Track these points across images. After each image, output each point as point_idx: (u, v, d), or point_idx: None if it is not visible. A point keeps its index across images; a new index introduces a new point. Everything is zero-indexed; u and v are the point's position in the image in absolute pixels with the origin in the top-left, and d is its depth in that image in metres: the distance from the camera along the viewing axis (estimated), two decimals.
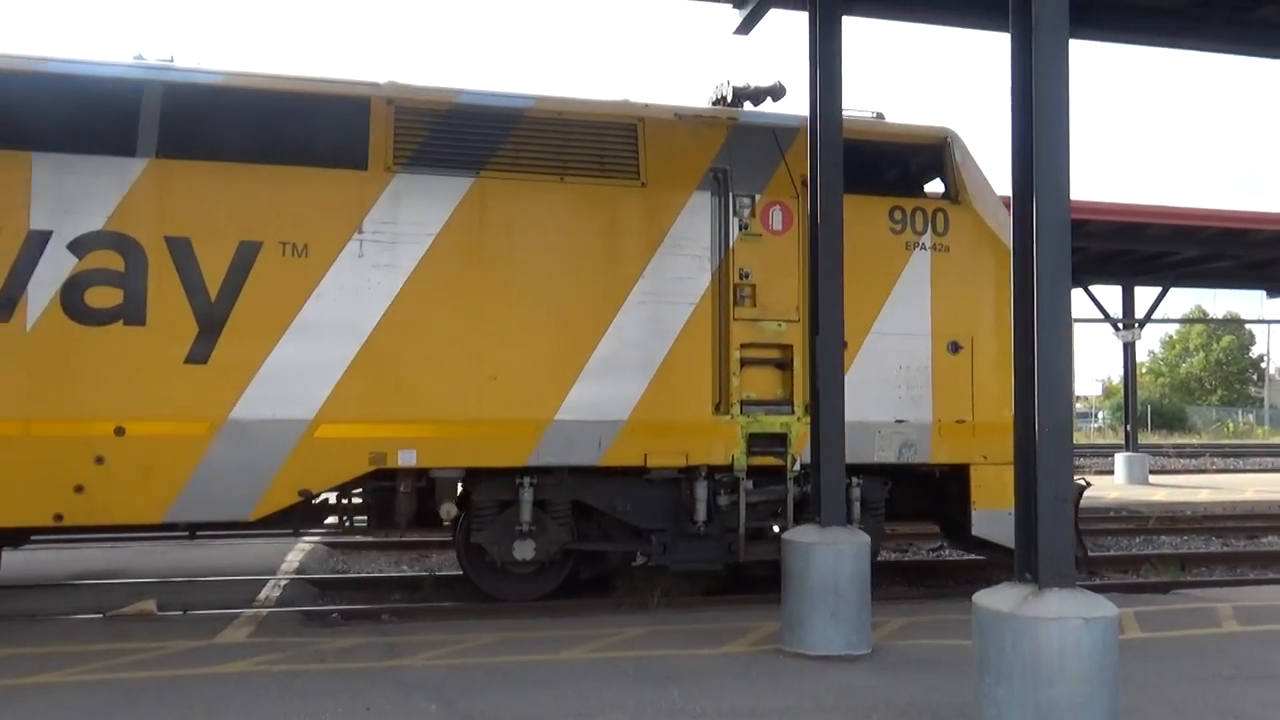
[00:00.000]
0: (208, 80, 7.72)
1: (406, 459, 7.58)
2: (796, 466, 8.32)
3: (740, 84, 9.14)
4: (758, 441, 8.29)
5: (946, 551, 11.94)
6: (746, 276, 8.33)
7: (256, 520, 7.48)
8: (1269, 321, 43.71)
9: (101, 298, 7.14)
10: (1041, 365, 4.72)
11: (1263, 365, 68.22)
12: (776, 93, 9.11)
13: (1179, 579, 10.27)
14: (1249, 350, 68.32)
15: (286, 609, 8.15)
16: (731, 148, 8.53)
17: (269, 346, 7.36)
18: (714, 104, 9.23)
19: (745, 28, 8.07)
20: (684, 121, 8.57)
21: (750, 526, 8.33)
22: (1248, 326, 63.56)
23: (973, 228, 8.88)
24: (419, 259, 7.68)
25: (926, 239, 8.70)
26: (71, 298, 7.09)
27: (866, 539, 6.61)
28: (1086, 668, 4.34)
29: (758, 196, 8.45)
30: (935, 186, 9.26)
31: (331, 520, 8.35)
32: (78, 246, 7.14)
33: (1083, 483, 9.24)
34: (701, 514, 8.26)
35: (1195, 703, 5.44)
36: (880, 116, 9.22)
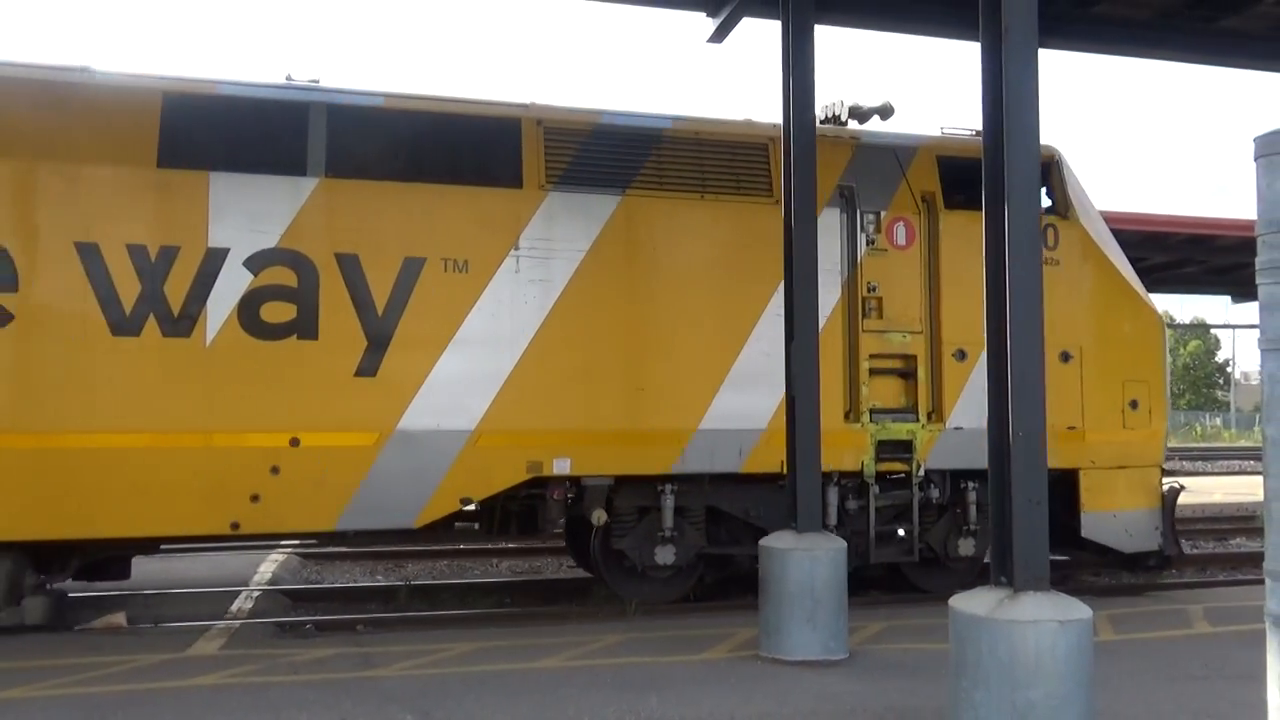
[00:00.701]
0: (369, 103, 7.88)
1: (561, 467, 7.86)
2: (921, 472, 8.67)
3: (851, 103, 9.37)
4: (885, 448, 8.61)
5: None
6: (874, 290, 8.65)
7: (418, 529, 7.68)
8: (1235, 326, 44.26)
9: (276, 313, 7.33)
10: (1015, 369, 4.77)
11: (1229, 370, 69.31)
12: (885, 112, 9.36)
13: (1151, 581, 10.39)
14: (1215, 355, 69.38)
15: (259, 620, 8.06)
16: (856, 166, 8.82)
17: (434, 359, 7.59)
18: (823, 123, 9.37)
19: (719, 36, 8.15)
20: None
21: (877, 530, 8.63)
22: (1214, 331, 64.56)
23: (1080, 242, 9.20)
24: (571, 274, 7.96)
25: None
26: (248, 313, 7.28)
27: (843, 544, 6.63)
28: (1062, 669, 4.37)
29: (883, 212, 8.74)
30: (1042, 202, 9.45)
31: (463, 526, 8.54)
32: (253, 263, 7.32)
33: (1177, 485, 9.52)
34: (833, 518, 8.53)
35: (1169, 703, 5.50)
36: (978, 135, 9.36)
